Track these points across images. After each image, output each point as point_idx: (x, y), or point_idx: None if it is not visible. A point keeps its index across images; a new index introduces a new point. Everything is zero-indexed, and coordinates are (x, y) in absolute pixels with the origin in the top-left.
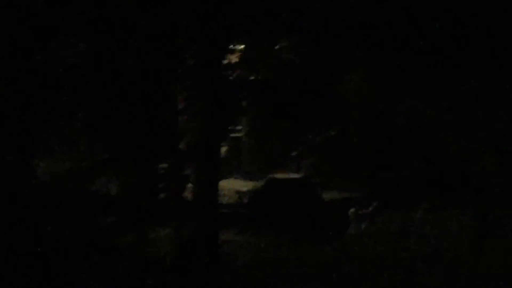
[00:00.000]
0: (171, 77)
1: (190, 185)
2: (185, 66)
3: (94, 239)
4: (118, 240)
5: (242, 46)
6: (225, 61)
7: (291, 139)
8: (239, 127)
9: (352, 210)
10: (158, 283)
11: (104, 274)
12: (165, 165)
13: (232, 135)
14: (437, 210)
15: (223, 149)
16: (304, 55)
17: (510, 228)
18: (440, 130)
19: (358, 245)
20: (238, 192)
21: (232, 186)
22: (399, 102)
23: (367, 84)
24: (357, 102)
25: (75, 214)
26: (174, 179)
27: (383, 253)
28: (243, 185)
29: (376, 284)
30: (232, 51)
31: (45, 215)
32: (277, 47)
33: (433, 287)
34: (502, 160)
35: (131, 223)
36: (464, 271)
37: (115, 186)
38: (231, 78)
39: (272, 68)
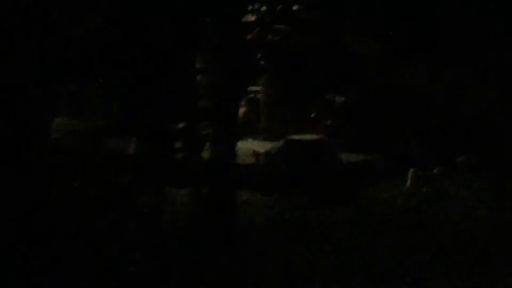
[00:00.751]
0: (188, 37)
1: (208, 145)
2: (203, 25)
3: (110, 198)
4: (135, 199)
5: (262, 7)
6: (243, 21)
7: (310, 100)
8: (257, 88)
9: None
10: (174, 244)
11: (119, 233)
12: (183, 125)
13: (251, 96)
14: (453, 176)
15: (241, 110)
16: (322, 15)
17: None
18: (460, 94)
19: (374, 210)
20: (255, 152)
21: (250, 146)
22: (418, 66)
23: (387, 47)
24: (376, 65)
25: (90, 172)
26: (192, 139)
27: (399, 220)
28: (261, 146)
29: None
30: (251, 11)
31: (59, 172)
32: (295, 7)
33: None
34: None
35: (147, 182)
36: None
37: (132, 146)
38: (249, 38)
39: (290, 28)
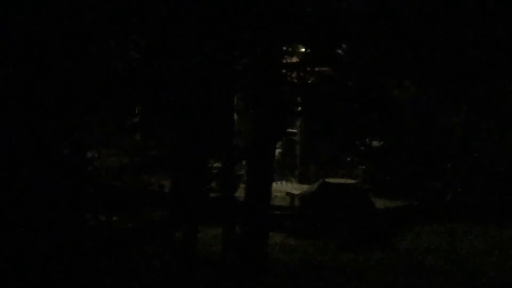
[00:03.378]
0: (227, 76)
1: (243, 185)
2: (243, 65)
3: (146, 234)
4: (169, 236)
5: (302, 49)
6: (284, 62)
7: (345, 144)
8: (294, 130)
9: None
10: (205, 282)
11: (153, 268)
12: (219, 164)
13: (287, 138)
14: (485, 224)
15: (278, 152)
16: (363, 60)
17: None
18: (491, 144)
19: (408, 256)
20: (290, 194)
21: (284, 188)
22: (453, 114)
23: (423, 94)
24: (411, 111)
25: (127, 208)
26: (227, 179)
27: (432, 266)
28: (296, 188)
29: None
30: (292, 53)
31: (98, 206)
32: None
33: None
34: None
35: (182, 220)
36: None
37: (169, 183)
38: (288, 79)
39: (330, 71)
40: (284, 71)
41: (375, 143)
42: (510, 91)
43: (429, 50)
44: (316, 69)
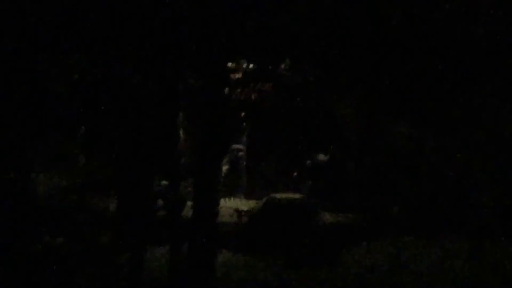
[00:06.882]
0: (171, 94)
1: (189, 203)
2: (186, 84)
3: (91, 255)
4: (115, 257)
5: (245, 65)
6: (228, 79)
7: (291, 160)
8: (240, 147)
9: None
10: None
11: None
12: (165, 183)
13: (233, 154)
14: (432, 237)
15: (224, 169)
16: (304, 77)
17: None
18: (436, 156)
19: (352, 271)
20: (237, 211)
21: (232, 205)
22: (395, 127)
23: (364, 108)
24: (354, 126)
25: (72, 229)
26: (173, 197)
27: (377, 281)
28: (244, 204)
29: None
30: (235, 70)
31: (41, 229)
32: (281, 67)
33: None
34: (498, 187)
35: (128, 240)
36: None
37: (114, 203)
38: (232, 97)
39: (273, 88)
40: (228, 87)
41: (321, 158)
42: (456, 99)
43: (369, 64)
44: (259, 85)
